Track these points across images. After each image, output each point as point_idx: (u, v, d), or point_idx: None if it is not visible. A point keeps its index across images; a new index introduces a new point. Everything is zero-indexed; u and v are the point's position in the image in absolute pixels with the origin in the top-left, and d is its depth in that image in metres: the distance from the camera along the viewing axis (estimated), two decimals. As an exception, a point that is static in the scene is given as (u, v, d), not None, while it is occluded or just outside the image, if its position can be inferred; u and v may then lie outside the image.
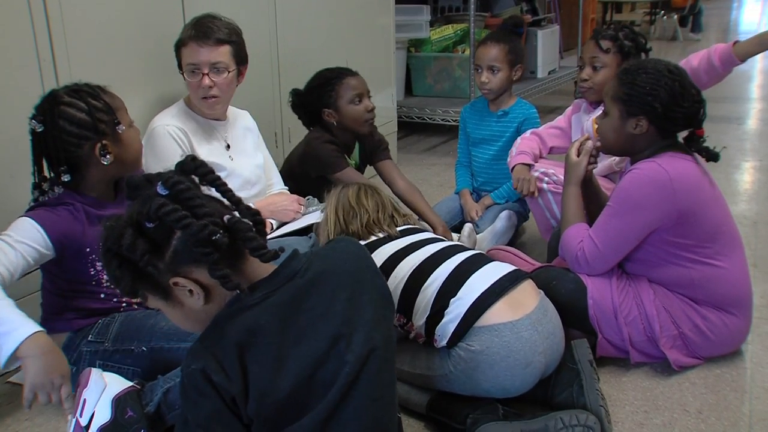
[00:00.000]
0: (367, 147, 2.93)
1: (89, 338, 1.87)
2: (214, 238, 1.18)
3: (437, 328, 1.75)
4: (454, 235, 2.88)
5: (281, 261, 1.33)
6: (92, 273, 1.87)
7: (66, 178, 1.78)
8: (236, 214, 1.29)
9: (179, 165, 1.28)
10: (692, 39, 9.69)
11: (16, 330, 1.53)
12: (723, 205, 2.06)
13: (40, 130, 1.73)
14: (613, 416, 1.81)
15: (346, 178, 2.73)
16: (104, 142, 1.77)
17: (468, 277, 1.77)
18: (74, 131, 1.73)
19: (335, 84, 2.70)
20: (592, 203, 2.17)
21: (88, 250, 1.84)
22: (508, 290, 1.75)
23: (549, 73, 5.41)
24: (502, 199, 2.97)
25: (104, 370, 1.85)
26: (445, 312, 1.74)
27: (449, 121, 4.47)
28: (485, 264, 1.83)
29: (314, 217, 2.54)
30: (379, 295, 1.39)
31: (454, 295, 1.74)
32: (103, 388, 1.68)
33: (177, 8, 2.54)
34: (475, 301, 1.72)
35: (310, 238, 2.40)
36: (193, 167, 1.28)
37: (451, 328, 1.72)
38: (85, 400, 1.66)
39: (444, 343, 1.74)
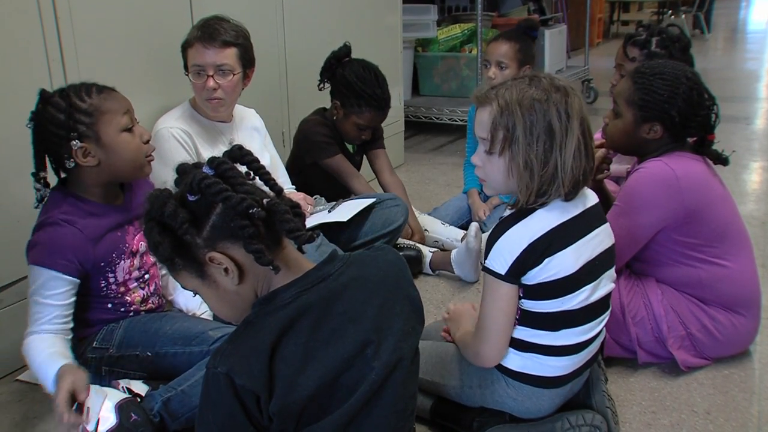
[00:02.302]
0: None
1: (94, 344, 1.87)
2: (251, 211, 1.20)
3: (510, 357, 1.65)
4: (461, 232, 2.89)
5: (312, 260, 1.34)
6: (102, 285, 1.86)
7: (62, 174, 1.80)
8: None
9: (227, 153, 1.31)
10: (702, 38, 9.66)
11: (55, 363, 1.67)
12: (731, 205, 2.05)
13: (31, 127, 1.75)
14: (620, 417, 1.81)
15: (335, 166, 2.80)
16: (83, 144, 1.73)
17: (578, 351, 1.63)
18: (53, 131, 1.72)
19: (364, 106, 2.72)
20: (600, 204, 2.16)
21: (102, 264, 1.84)
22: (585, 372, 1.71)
23: (556, 73, 5.39)
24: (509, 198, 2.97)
25: (110, 377, 1.86)
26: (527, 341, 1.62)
27: (456, 121, 4.47)
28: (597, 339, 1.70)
29: (322, 216, 2.55)
30: (411, 307, 1.39)
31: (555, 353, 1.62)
32: (104, 397, 1.69)
33: (185, 9, 2.55)
34: (555, 377, 1.64)
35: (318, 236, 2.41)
36: (239, 155, 1.31)
37: (512, 364, 1.64)
38: (88, 408, 1.67)
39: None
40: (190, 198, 1.23)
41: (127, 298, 1.92)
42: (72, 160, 1.74)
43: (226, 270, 1.25)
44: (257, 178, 1.33)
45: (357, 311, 1.29)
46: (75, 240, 1.76)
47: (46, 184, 1.79)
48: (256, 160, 1.33)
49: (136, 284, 1.94)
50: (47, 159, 1.79)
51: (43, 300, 1.74)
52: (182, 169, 1.29)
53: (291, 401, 1.20)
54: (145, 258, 1.95)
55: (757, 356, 2.09)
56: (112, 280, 1.87)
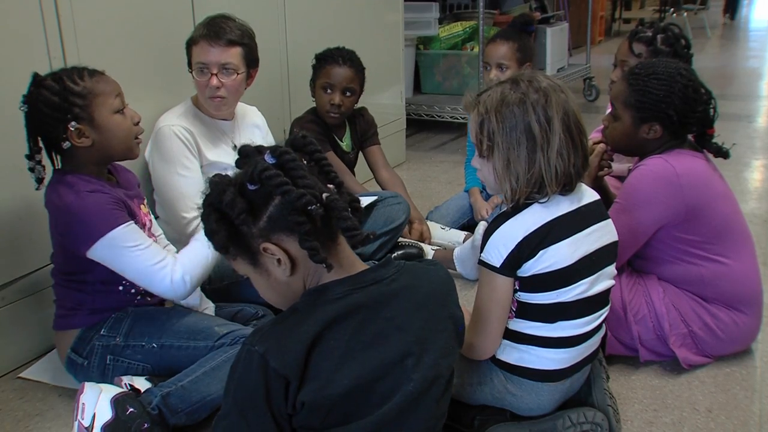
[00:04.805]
0: (358, 129, 2.97)
1: (101, 332, 1.88)
2: (310, 208, 1.19)
3: (504, 348, 1.66)
4: (462, 235, 2.89)
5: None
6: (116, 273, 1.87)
7: (58, 165, 1.82)
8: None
9: (290, 141, 1.31)
10: (704, 36, 9.65)
11: None
12: (733, 203, 2.05)
13: (24, 110, 1.77)
14: (622, 414, 1.80)
15: None
16: (78, 125, 1.76)
17: (575, 344, 1.64)
18: (48, 113, 1.74)
19: (320, 65, 2.83)
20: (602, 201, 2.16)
21: None
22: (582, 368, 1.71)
23: (558, 71, 5.38)
24: (511, 197, 2.96)
25: (115, 366, 1.87)
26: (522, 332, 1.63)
27: (458, 119, 4.47)
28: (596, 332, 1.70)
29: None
30: (454, 326, 1.38)
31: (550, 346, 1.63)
32: (99, 392, 1.70)
33: (187, 6, 2.55)
34: (553, 371, 1.65)
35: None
36: (302, 144, 1.31)
37: (510, 358, 1.65)
38: (84, 404, 1.69)
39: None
40: (250, 187, 1.23)
41: None
42: (67, 141, 1.77)
43: (278, 261, 1.25)
44: (318, 169, 1.32)
45: (404, 320, 1.28)
46: (112, 198, 1.80)
47: (41, 165, 1.81)
48: (319, 150, 1.32)
49: None
50: (40, 141, 1.80)
51: (145, 248, 1.79)
52: (244, 151, 1.29)
53: (323, 396, 1.20)
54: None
55: (759, 354, 2.09)
56: None
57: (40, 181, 1.81)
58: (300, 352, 1.19)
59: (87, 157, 1.82)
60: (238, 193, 1.23)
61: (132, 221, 1.81)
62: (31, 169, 1.79)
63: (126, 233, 1.77)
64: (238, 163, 1.30)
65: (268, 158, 1.23)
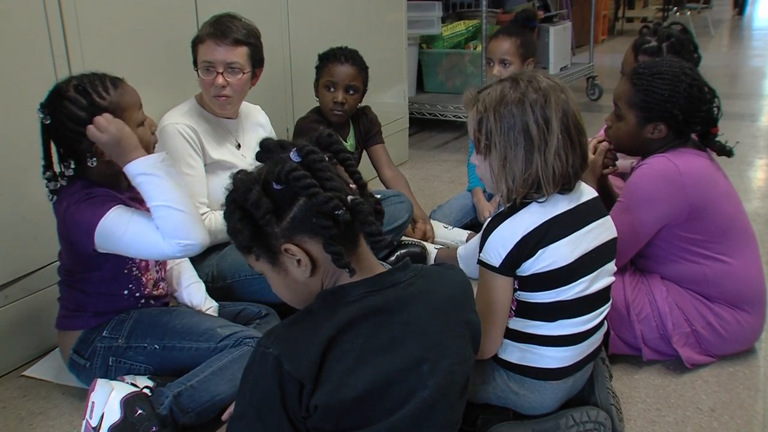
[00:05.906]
0: (362, 127, 2.97)
1: (104, 334, 1.88)
2: (337, 212, 1.18)
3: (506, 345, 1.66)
4: (465, 233, 2.89)
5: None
6: (129, 261, 1.87)
7: (70, 172, 1.78)
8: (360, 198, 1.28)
9: (316, 138, 1.29)
10: (708, 36, 9.63)
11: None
12: (736, 202, 2.05)
13: (47, 122, 1.74)
14: (625, 414, 1.80)
15: None
16: None
17: (576, 342, 1.64)
18: (72, 127, 1.72)
19: (323, 64, 2.82)
20: (604, 201, 2.16)
21: None
22: (584, 367, 1.71)
23: (561, 70, 5.38)
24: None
25: (117, 367, 1.87)
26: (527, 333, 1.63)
27: (461, 118, 4.46)
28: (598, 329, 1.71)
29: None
30: (471, 332, 1.37)
31: (554, 344, 1.63)
32: (110, 391, 1.69)
33: (190, 5, 2.55)
34: (555, 369, 1.65)
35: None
36: (328, 143, 1.29)
37: (512, 357, 1.66)
38: (93, 402, 1.69)
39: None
40: (275, 186, 1.21)
41: (143, 279, 1.93)
42: (93, 157, 1.75)
43: (298, 261, 1.24)
44: (342, 168, 1.31)
45: (420, 325, 1.27)
46: (97, 196, 1.76)
47: (55, 177, 1.78)
48: (345, 150, 1.31)
49: (153, 263, 1.96)
50: (54, 151, 1.78)
51: (142, 226, 1.72)
52: (265, 146, 1.28)
53: (336, 399, 1.19)
54: None
55: (762, 354, 2.09)
56: (138, 259, 1.88)
57: (55, 192, 1.78)
58: (315, 356, 1.18)
59: (104, 168, 1.79)
60: (263, 192, 1.21)
61: (118, 204, 1.75)
62: (48, 179, 1.77)
63: (113, 219, 1.72)
64: (259, 157, 1.28)
65: (294, 156, 1.22)
